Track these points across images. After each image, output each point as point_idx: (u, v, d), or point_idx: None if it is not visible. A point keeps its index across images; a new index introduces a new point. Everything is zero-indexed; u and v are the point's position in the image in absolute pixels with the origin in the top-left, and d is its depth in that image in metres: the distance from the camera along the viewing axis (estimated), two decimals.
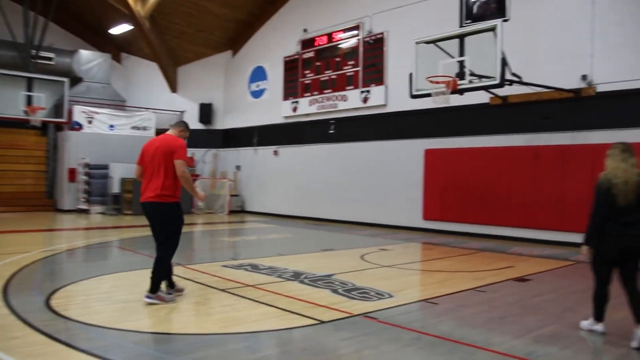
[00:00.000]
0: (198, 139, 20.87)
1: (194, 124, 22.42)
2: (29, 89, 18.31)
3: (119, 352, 4.21)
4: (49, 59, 20.35)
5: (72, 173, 18.92)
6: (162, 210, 5.80)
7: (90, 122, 19.62)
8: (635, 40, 10.72)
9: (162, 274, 5.88)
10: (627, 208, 4.72)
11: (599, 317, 5.04)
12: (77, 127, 19.37)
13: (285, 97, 19.12)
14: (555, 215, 11.72)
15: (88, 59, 21.41)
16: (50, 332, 4.62)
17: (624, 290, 4.89)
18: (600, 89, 11.17)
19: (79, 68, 21.08)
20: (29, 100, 17.74)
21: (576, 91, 11.38)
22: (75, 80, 20.98)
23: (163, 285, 5.97)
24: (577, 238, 11.33)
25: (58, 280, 7.17)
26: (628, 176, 4.71)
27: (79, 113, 19.46)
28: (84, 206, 18.64)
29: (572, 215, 11.45)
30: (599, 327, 5.03)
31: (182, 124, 6.26)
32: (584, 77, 11.35)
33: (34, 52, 19.42)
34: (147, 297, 5.77)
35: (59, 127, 19.99)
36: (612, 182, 4.77)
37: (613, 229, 4.78)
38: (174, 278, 6.22)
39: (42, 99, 18.00)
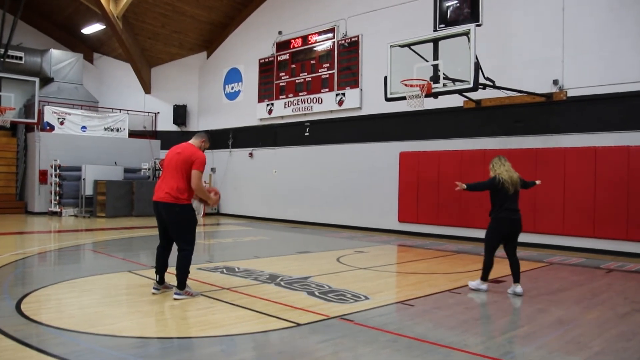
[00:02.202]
0: (172, 141, 20.70)
1: (168, 125, 22.27)
2: None
3: (93, 357, 4.15)
4: (19, 58, 19.97)
5: (43, 175, 18.60)
6: (177, 212, 6.12)
7: (62, 123, 19.36)
8: (604, 47, 10.96)
9: (187, 270, 6.17)
10: (513, 198, 6.77)
11: (485, 278, 6.92)
12: (49, 128, 19.07)
13: (260, 99, 19.07)
14: (528, 217, 11.86)
15: (59, 58, 21.07)
16: (21, 338, 4.54)
17: (508, 259, 6.90)
18: (571, 93, 11.39)
19: (49, 68, 20.74)
20: None
21: (548, 95, 11.58)
22: (46, 80, 20.65)
23: (189, 282, 6.35)
24: (549, 240, 11.59)
25: (29, 284, 7.02)
26: (510, 174, 6.76)
27: (50, 114, 19.20)
28: (55, 208, 18.33)
29: (544, 217, 11.64)
30: (484, 287, 6.92)
31: (204, 135, 6.62)
32: (555, 82, 11.56)
33: (2, 50, 19.03)
34: (176, 293, 6.15)
35: (29, 128, 19.63)
36: (502, 179, 6.72)
37: (505, 214, 6.77)
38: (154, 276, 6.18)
39: (12, 99, 17.66)
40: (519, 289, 6.73)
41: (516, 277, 6.80)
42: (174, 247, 6.37)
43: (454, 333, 5.00)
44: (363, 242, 12.52)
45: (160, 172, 6.53)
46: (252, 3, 19.75)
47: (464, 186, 6.91)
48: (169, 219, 6.16)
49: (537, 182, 7.72)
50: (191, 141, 6.46)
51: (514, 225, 6.81)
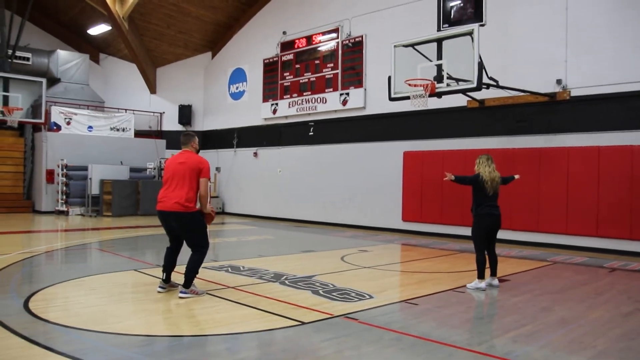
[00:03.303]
0: (177, 140, 20.74)
1: (173, 125, 22.34)
2: (6, 89, 18.08)
3: (99, 355, 4.19)
4: (26, 59, 20.07)
5: (50, 174, 18.70)
6: (188, 220, 6.19)
7: (68, 123, 19.46)
8: (607, 46, 10.95)
9: (196, 271, 6.29)
10: (493, 196, 7.14)
11: (481, 276, 7.06)
12: (55, 128, 19.17)
13: (265, 99, 19.11)
14: (531, 216, 11.91)
15: (66, 59, 21.15)
16: (29, 335, 4.58)
17: (488, 253, 7.22)
18: (574, 93, 11.39)
19: (56, 68, 20.83)
20: (6, 100, 17.53)
21: (551, 95, 11.59)
22: (53, 80, 20.75)
23: (195, 281, 6.42)
24: (553, 239, 11.60)
25: (37, 283, 7.09)
26: (492, 176, 7.11)
27: (57, 114, 19.29)
28: (62, 208, 18.43)
29: (547, 216, 11.65)
30: (482, 285, 7.02)
31: (192, 137, 6.57)
32: (558, 82, 11.56)
33: (10, 51, 19.14)
34: (182, 292, 6.19)
35: (36, 127, 19.73)
36: (483, 180, 7.08)
37: (487, 210, 7.12)
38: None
39: (19, 99, 17.80)
40: (495, 282, 7.28)
41: (493, 270, 7.31)
42: (184, 248, 6.45)
43: (458, 332, 5.03)
44: (367, 241, 12.54)
45: (162, 181, 6.51)
46: (257, 3, 19.79)
47: (452, 177, 7.19)
48: (181, 227, 6.23)
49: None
50: (187, 148, 6.45)
51: (495, 221, 7.19)
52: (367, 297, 6.41)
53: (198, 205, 6.32)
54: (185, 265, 6.22)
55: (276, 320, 5.29)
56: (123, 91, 23.03)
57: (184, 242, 6.43)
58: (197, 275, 6.45)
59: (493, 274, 7.30)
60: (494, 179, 7.11)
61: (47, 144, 18.83)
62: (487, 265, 7.27)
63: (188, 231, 6.23)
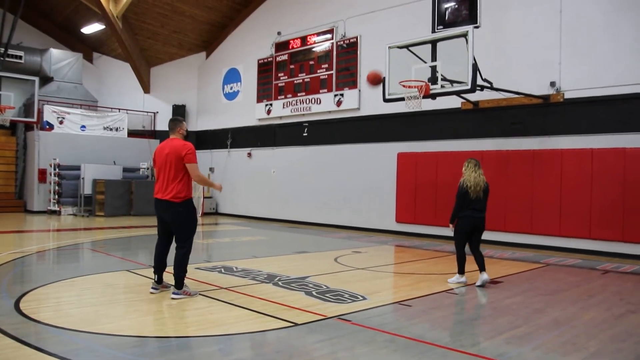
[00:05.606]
0: None
1: (167, 125, 22.22)
2: None
3: (91, 356, 4.16)
4: (19, 57, 19.96)
5: (43, 174, 18.61)
6: (179, 212, 6.17)
7: (61, 123, 19.39)
8: (601, 49, 10.98)
9: (184, 269, 6.19)
10: (476, 200, 7.31)
11: (461, 272, 7.50)
12: (48, 127, 19.08)
13: (259, 100, 19.08)
14: (525, 218, 11.94)
15: (59, 58, 21.06)
16: (20, 336, 4.55)
17: (472, 252, 7.44)
18: (568, 95, 11.42)
19: (49, 67, 20.73)
20: None
21: (545, 97, 11.62)
22: (46, 79, 20.65)
23: (187, 281, 6.39)
24: (546, 241, 11.63)
25: (28, 283, 7.04)
26: (477, 182, 7.30)
27: (50, 113, 19.21)
28: (54, 207, 18.34)
29: (541, 218, 11.67)
30: (463, 279, 7.46)
31: (178, 122, 6.55)
32: (552, 84, 11.59)
33: (2, 50, 19.03)
34: (174, 293, 6.14)
35: (28, 126, 19.62)
36: (467, 186, 7.30)
37: (468, 213, 7.34)
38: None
39: (11, 98, 17.70)
40: (485, 276, 7.36)
41: (481, 267, 7.40)
42: (172, 247, 6.40)
43: (451, 333, 5.04)
44: (361, 243, 12.54)
45: (155, 173, 6.47)
46: (252, 4, 19.77)
47: (451, 226, 7.54)
48: (172, 217, 6.19)
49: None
50: (174, 135, 6.44)
51: (477, 223, 7.38)
52: (361, 298, 6.40)
53: (195, 197, 6.31)
54: (173, 266, 6.16)
55: (269, 321, 5.27)
56: (117, 90, 22.95)
57: (174, 237, 6.39)
58: (189, 276, 6.42)
59: (482, 269, 7.38)
60: (477, 184, 7.29)
61: (39, 143, 18.74)
62: (477, 265, 7.41)
63: (176, 221, 6.18)
